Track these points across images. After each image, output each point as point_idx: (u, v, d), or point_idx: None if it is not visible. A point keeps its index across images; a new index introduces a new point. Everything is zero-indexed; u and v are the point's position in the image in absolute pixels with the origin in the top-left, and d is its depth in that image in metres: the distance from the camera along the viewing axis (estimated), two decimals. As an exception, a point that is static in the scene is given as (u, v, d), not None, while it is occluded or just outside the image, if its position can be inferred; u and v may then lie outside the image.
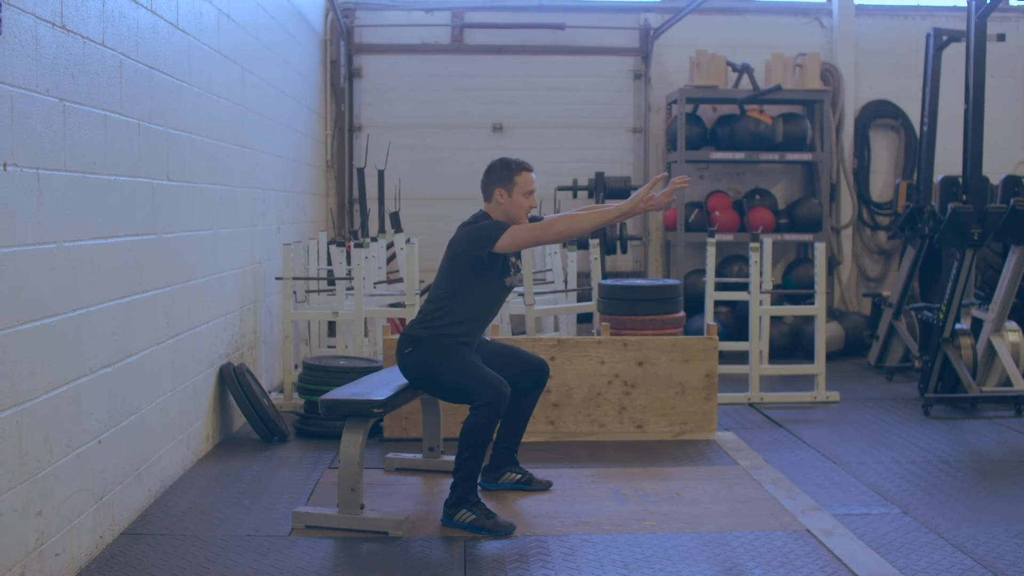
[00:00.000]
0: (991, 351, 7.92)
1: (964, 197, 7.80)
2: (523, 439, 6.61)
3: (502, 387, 5.03)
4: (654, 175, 11.06)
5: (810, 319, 9.44)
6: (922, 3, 11.45)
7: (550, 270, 8.56)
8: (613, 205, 5.24)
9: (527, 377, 5.51)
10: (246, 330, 7.18)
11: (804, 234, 10.60)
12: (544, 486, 5.58)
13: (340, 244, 8.61)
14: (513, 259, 5.35)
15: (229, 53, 6.73)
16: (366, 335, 7.80)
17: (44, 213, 4.05)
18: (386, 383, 5.29)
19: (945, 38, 9.20)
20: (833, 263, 11.10)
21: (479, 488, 5.13)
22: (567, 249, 8.37)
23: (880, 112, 11.31)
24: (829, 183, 10.92)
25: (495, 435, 5.30)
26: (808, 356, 9.13)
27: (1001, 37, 8.49)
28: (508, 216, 5.22)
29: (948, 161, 9.62)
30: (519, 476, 5.59)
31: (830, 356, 9.56)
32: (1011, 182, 8.02)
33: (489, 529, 4.86)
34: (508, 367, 5.41)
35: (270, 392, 7.62)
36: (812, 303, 8.43)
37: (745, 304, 8.99)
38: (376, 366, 6.86)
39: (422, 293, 9.39)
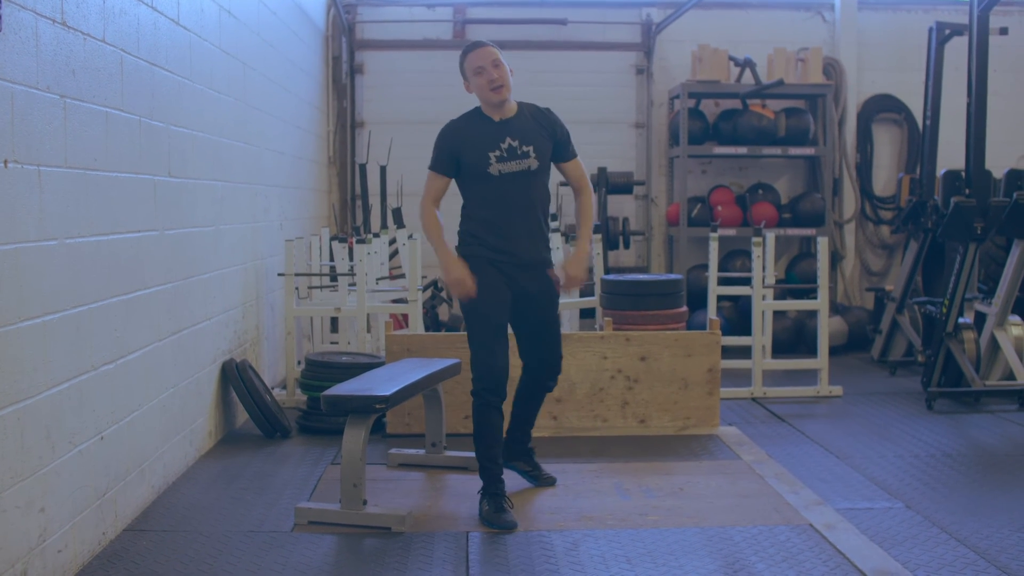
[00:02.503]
0: (994, 345, 7.91)
1: (967, 191, 7.79)
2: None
3: (495, 378, 4.96)
4: (656, 170, 11.10)
5: (813, 314, 9.44)
6: (925, -3, 11.44)
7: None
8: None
9: (539, 368, 5.35)
10: (248, 326, 7.18)
11: (807, 229, 10.58)
12: (549, 482, 5.55)
13: (342, 240, 8.61)
14: (502, 146, 5.02)
15: (230, 49, 6.72)
16: (369, 331, 7.80)
17: (45, 210, 4.05)
18: (389, 379, 5.28)
19: (948, 32, 9.18)
20: (836, 258, 11.08)
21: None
22: (569, 244, 8.37)
23: (883, 106, 11.29)
24: (832, 177, 10.90)
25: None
26: (811, 351, 9.12)
27: (1004, 31, 8.48)
28: (481, 101, 5.11)
29: (951, 155, 9.59)
30: (528, 468, 5.54)
31: (833, 351, 9.54)
32: (1014, 176, 8.01)
33: (492, 523, 4.88)
34: (533, 345, 5.29)
35: (273, 388, 7.62)
36: (815, 298, 8.42)
37: (748, 299, 8.98)
38: (379, 362, 6.85)
39: (424, 289, 9.40)
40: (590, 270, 8.94)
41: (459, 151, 5.08)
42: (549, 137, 5.11)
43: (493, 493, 4.99)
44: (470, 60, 5.07)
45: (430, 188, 5.14)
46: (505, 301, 5.09)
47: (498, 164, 5.00)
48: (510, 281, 5.09)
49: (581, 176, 5.24)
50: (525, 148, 5.02)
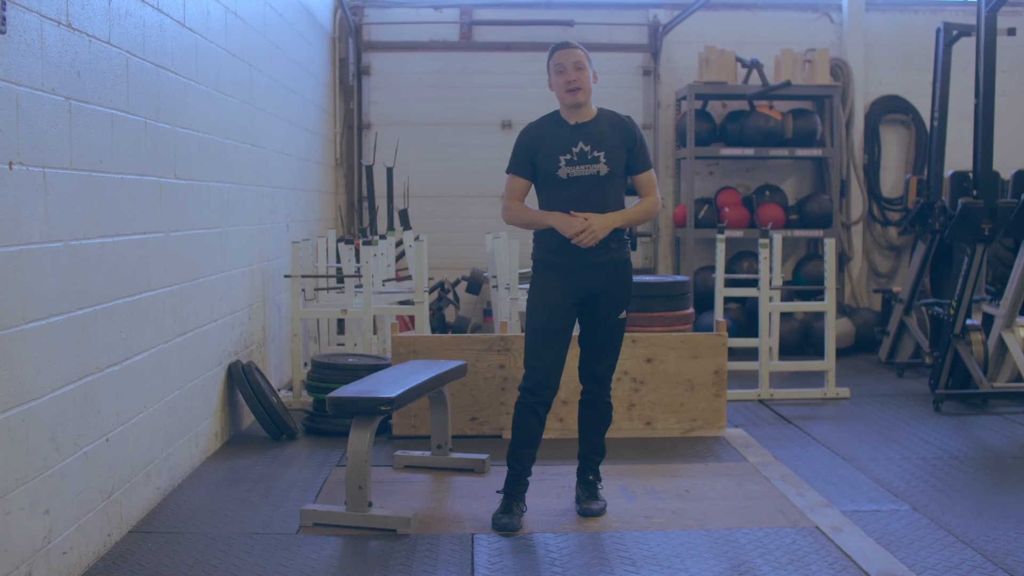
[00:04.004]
0: (1002, 347, 7.88)
1: (975, 192, 7.77)
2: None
3: (534, 379, 4.94)
4: (664, 172, 11.08)
5: (820, 315, 9.42)
6: (932, -3, 11.42)
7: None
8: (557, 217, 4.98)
9: (585, 368, 5.21)
10: (255, 328, 7.18)
11: (814, 230, 10.57)
12: (589, 513, 5.13)
13: (349, 242, 8.61)
14: (573, 150, 4.97)
15: (237, 51, 6.73)
16: (375, 333, 7.81)
17: (50, 212, 4.05)
18: (394, 380, 5.28)
19: (955, 33, 9.15)
20: (843, 259, 11.06)
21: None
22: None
23: (890, 107, 11.26)
24: (839, 179, 10.88)
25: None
26: (818, 352, 9.10)
27: (1011, 31, 8.44)
28: (559, 101, 5.10)
29: (958, 156, 9.58)
30: (579, 492, 5.28)
31: (840, 352, 9.53)
32: (1022, 177, 7.98)
33: (493, 522, 4.93)
34: (586, 344, 5.18)
35: (279, 390, 7.62)
36: (822, 299, 8.40)
37: (755, 300, 8.97)
38: (385, 363, 6.85)
39: (431, 291, 9.40)
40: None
41: (534, 153, 5.05)
42: (624, 145, 5.03)
43: (507, 492, 5.02)
44: (555, 59, 5.10)
45: (510, 189, 5.13)
46: (563, 307, 5.02)
47: (567, 167, 4.97)
48: (579, 283, 5.01)
49: (650, 187, 5.10)
50: (596, 153, 4.97)
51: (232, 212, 6.59)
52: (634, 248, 10.31)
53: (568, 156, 4.96)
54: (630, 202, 5.10)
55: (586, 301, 5.06)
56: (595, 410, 5.22)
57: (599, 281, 5.01)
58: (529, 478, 5.12)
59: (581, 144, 4.97)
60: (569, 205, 4.94)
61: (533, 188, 5.14)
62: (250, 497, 5.40)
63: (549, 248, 5.03)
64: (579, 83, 4.99)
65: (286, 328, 8.12)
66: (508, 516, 4.94)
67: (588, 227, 4.85)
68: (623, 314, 5.10)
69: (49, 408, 4.03)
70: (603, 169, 4.95)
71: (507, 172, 5.15)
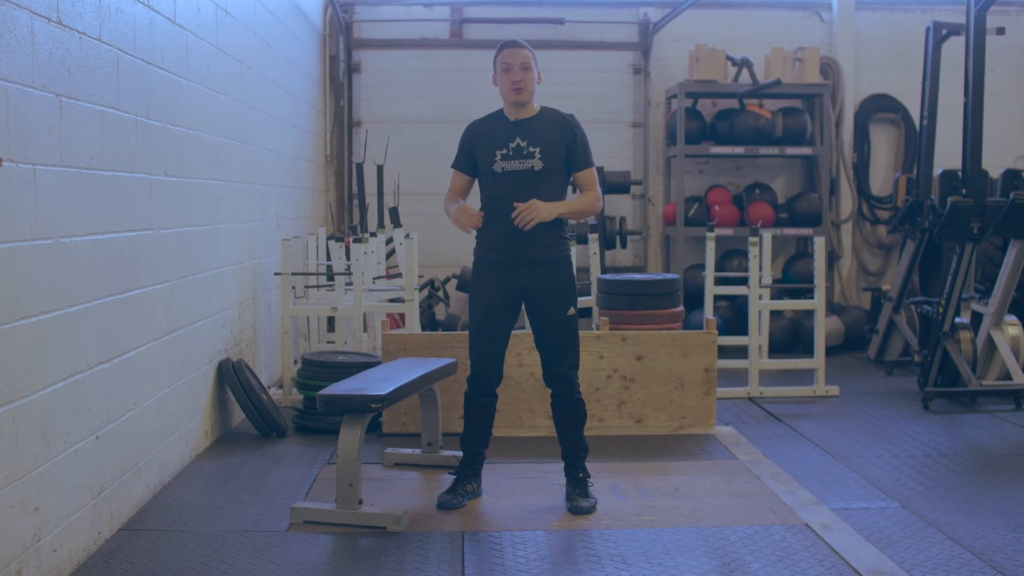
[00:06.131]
0: (991, 345, 7.91)
1: (964, 191, 7.79)
2: (521, 434, 6.64)
3: (475, 373, 5.19)
4: (654, 170, 11.10)
5: (810, 313, 9.44)
6: (922, -3, 11.45)
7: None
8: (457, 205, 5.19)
9: (546, 370, 5.27)
10: (245, 326, 7.17)
11: (804, 228, 10.58)
12: (579, 511, 5.13)
13: (339, 239, 8.60)
14: (510, 145, 5.09)
15: (227, 48, 6.72)
16: (365, 330, 7.80)
17: (41, 208, 4.04)
18: (385, 378, 5.28)
19: (945, 32, 9.19)
20: (833, 257, 11.08)
21: (473, 465, 5.37)
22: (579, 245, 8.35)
23: (880, 106, 11.29)
24: (829, 177, 10.91)
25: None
26: (808, 350, 9.11)
27: (1001, 31, 8.47)
28: (502, 98, 5.22)
29: (948, 155, 9.60)
30: (569, 489, 5.26)
31: (830, 350, 9.55)
32: (1011, 176, 8.01)
33: (437, 502, 5.20)
34: (541, 346, 5.25)
35: (269, 388, 7.61)
36: (812, 297, 8.42)
37: (745, 298, 8.98)
38: (375, 361, 6.85)
39: (421, 288, 9.40)
40: (586, 270, 8.94)
41: (474, 148, 5.21)
42: (563, 142, 5.14)
43: (456, 475, 5.33)
44: (502, 56, 5.19)
45: (451, 184, 5.34)
46: (497, 305, 5.17)
47: (502, 162, 5.10)
48: (515, 280, 5.13)
49: (590, 182, 5.20)
50: (532, 149, 5.09)
51: (223, 209, 6.58)
52: (624, 246, 10.43)
53: (504, 151, 5.11)
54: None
55: (526, 299, 5.21)
56: (567, 408, 5.30)
57: (535, 278, 5.12)
58: (484, 462, 5.41)
59: (518, 140, 5.12)
60: (503, 199, 5.08)
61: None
62: (240, 495, 5.40)
63: (486, 245, 5.20)
64: (523, 83, 5.13)
65: (276, 326, 8.11)
66: (451, 495, 5.20)
67: (532, 206, 4.94)
68: (571, 311, 5.19)
69: (39, 406, 4.03)
70: (537, 164, 5.08)
71: (451, 167, 5.35)
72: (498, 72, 5.20)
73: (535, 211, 4.93)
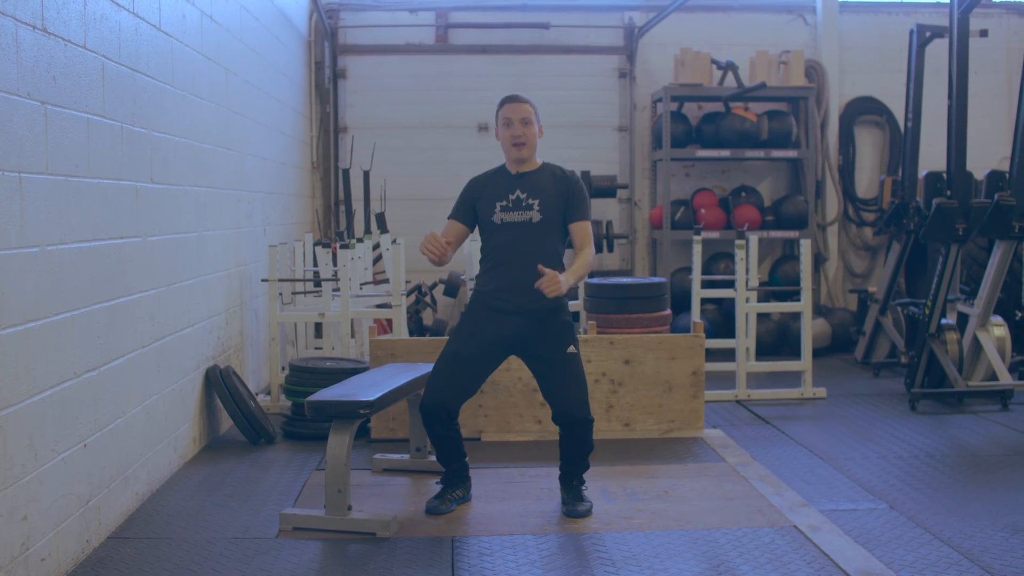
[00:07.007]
0: (977, 346, 7.94)
1: (948, 192, 7.83)
2: (510, 438, 6.64)
3: (431, 396, 5.11)
4: (640, 173, 11.13)
5: (796, 316, 9.47)
6: (905, -1, 11.51)
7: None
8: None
9: (555, 414, 5.20)
10: (232, 332, 7.16)
11: (790, 231, 10.62)
12: (576, 515, 5.15)
13: (326, 245, 8.60)
14: (510, 197, 5.16)
15: (212, 55, 6.71)
16: (352, 336, 7.79)
17: (26, 216, 4.03)
18: (373, 384, 5.28)
19: (928, 34, 9.23)
20: (819, 260, 11.12)
21: (456, 475, 5.38)
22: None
23: (865, 108, 11.34)
24: (814, 180, 10.94)
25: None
26: (795, 353, 9.14)
27: (984, 33, 8.52)
28: (504, 151, 5.25)
29: (932, 157, 9.65)
30: (564, 495, 5.30)
31: (817, 353, 9.58)
32: (995, 177, 8.05)
33: (426, 507, 5.22)
34: (546, 390, 5.24)
35: (257, 394, 7.60)
36: (798, 300, 8.45)
37: (732, 301, 9.01)
38: (363, 367, 6.85)
39: (408, 294, 9.39)
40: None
41: (475, 201, 5.26)
42: (562, 195, 5.18)
43: (443, 484, 5.36)
44: (504, 111, 5.22)
45: (443, 232, 5.27)
46: (484, 341, 5.16)
47: (501, 213, 5.17)
48: (509, 327, 5.14)
49: (584, 237, 5.21)
50: (531, 201, 5.15)
51: (209, 216, 6.57)
52: (611, 250, 10.45)
53: (504, 203, 5.18)
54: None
55: (518, 346, 5.22)
56: (583, 447, 5.26)
57: (530, 324, 5.14)
58: (469, 467, 5.42)
59: (518, 192, 5.19)
60: (503, 249, 5.17)
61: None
62: (229, 502, 5.39)
63: (485, 291, 5.23)
64: (524, 138, 5.18)
65: (264, 332, 8.10)
66: (439, 500, 5.23)
67: (555, 280, 4.87)
68: (571, 348, 5.18)
69: (27, 414, 4.01)
70: (536, 216, 5.14)
71: (447, 218, 5.35)
72: (499, 126, 5.23)
73: (558, 287, 4.88)
